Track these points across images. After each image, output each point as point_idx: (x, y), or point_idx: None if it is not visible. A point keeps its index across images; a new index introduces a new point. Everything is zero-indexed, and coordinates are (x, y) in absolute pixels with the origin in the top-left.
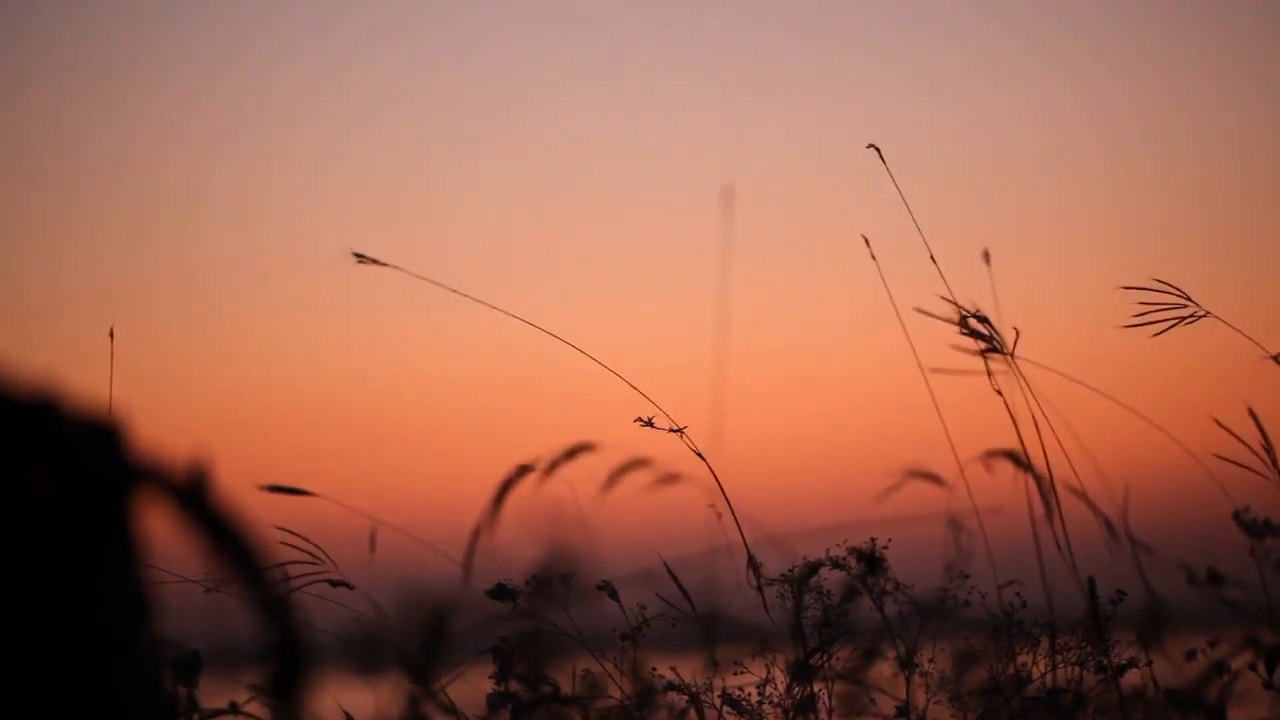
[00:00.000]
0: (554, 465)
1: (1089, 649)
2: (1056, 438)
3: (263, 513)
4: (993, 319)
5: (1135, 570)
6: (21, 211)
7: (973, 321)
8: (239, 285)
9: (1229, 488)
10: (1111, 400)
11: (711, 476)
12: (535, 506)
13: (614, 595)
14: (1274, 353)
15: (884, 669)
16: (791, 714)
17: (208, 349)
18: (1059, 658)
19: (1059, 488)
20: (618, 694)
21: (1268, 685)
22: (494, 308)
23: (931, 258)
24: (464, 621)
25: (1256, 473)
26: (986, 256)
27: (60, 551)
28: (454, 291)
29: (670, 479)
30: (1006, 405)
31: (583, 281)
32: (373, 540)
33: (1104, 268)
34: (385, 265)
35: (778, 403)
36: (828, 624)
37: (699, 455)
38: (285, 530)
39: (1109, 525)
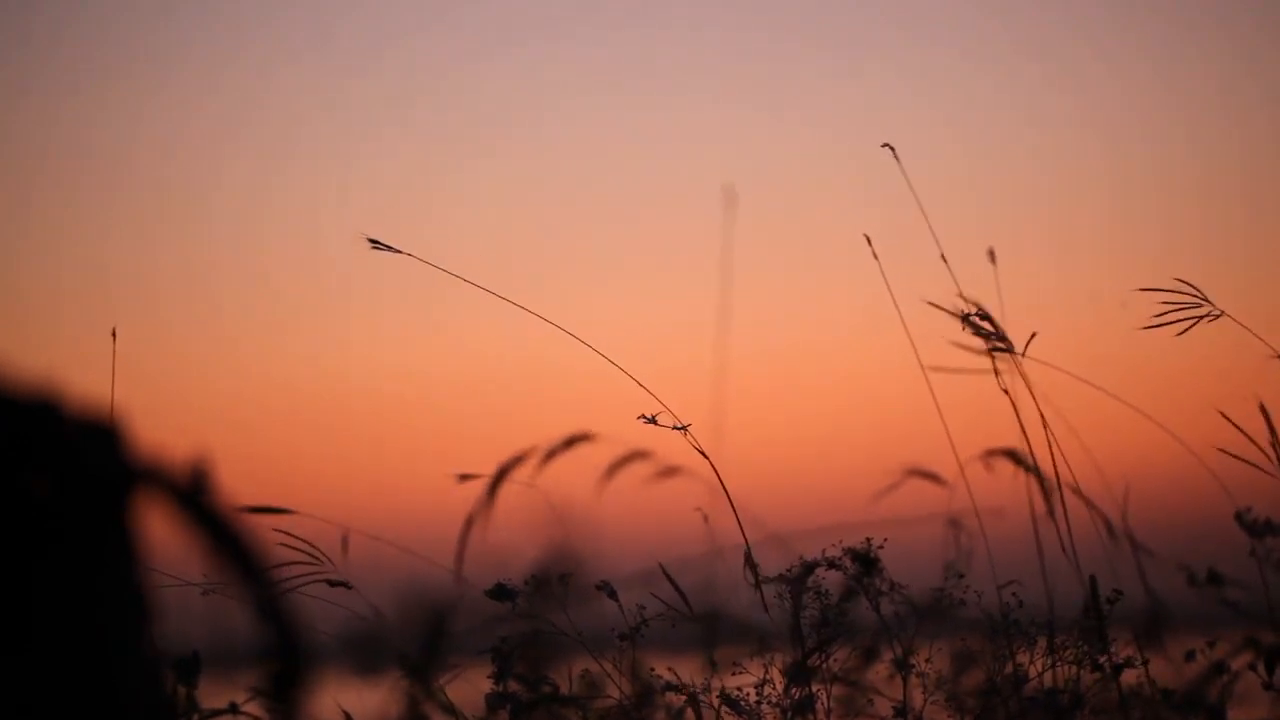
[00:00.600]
0: (551, 454)
1: (1086, 648)
2: (1051, 436)
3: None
4: (997, 317)
5: (1135, 570)
6: (23, 211)
7: (977, 319)
8: (241, 285)
9: (1233, 487)
10: (1115, 399)
11: (713, 475)
12: (534, 505)
13: (613, 595)
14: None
15: (882, 669)
16: (790, 714)
17: (210, 348)
18: (1056, 657)
19: (1062, 487)
20: (616, 694)
21: (1267, 686)
22: (502, 298)
23: (942, 256)
24: (463, 621)
25: (1261, 469)
26: (992, 255)
27: (60, 552)
28: (464, 280)
29: (670, 472)
30: (1013, 404)
31: (583, 281)
32: (345, 544)
33: (1106, 267)
34: (398, 251)
35: (779, 402)
36: (826, 624)
37: (702, 453)
38: (283, 531)
39: (1109, 525)
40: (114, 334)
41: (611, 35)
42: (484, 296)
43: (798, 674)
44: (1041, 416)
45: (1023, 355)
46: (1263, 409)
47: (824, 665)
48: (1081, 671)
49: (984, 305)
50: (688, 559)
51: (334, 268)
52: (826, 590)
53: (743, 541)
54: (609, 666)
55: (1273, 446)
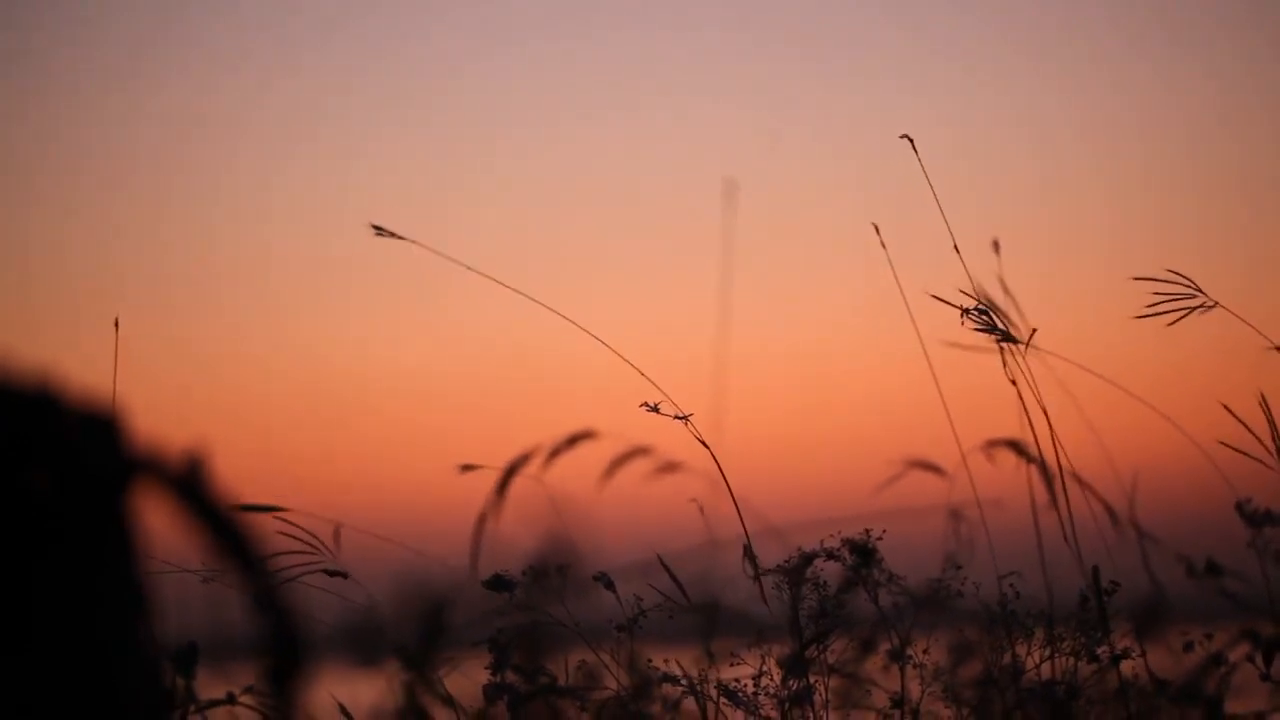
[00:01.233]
0: (556, 452)
1: (1083, 640)
2: (1052, 427)
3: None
4: (1004, 309)
5: (1138, 560)
6: (27, 205)
7: (977, 314)
8: (245, 277)
9: (1234, 478)
10: (1119, 389)
11: (714, 466)
12: (533, 497)
13: (610, 587)
14: (1279, 343)
15: (879, 661)
16: (787, 706)
17: (212, 340)
18: (1053, 648)
19: (1065, 477)
20: (614, 685)
21: (1265, 677)
22: (507, 286)
23: (955, 247)
24: (461, 613)
25: (1260, 461)
26: (996, 246)
27: (59, 547)
28: (466, 267)
29: (671, 467)
30: (1019, 394)
31: (586, 273)
32: (336, 536)
33: (1107, 258)
34: (402, 239)
35: (780, 394)
36: (824, 615)
37: (703, 444)
38: (282, 520)
39: (1113, 515)
40: (116, 324)
41: (612, 35)
42: (486, 288)
43: (795, 665)
44: (1043, 408)
45: (1027, 346)
46: (1263, 401)
47: (822, 656)
48: (1079, 663)
49: (990, 297)
50: (686, 550)
51: (337, 261)
52: (825, 581)
53: (742, 533)
54: (607, 658)
55: (1273, 439)
